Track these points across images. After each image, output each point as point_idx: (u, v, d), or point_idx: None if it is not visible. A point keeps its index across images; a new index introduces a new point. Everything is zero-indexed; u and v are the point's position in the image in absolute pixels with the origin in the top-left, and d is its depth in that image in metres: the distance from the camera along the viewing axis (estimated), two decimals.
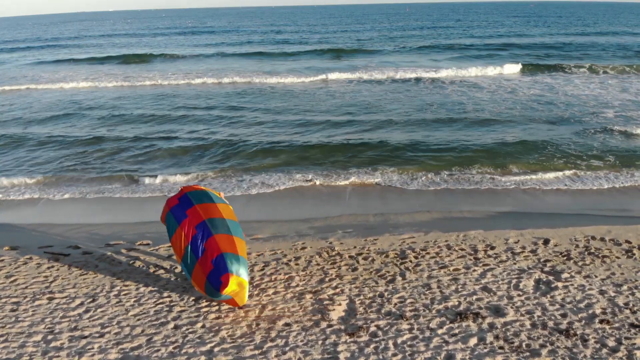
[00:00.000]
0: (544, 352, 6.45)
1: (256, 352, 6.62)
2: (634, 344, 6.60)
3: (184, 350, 6.70)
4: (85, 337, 7.09)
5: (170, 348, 6.77)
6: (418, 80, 30.68)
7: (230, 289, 7.24)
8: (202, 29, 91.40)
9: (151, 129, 20.79)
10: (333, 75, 32.49)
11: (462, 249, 9.63)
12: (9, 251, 10.35)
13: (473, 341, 6.72)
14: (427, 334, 6.91)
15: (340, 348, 6.62)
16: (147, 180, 14.82)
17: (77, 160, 17.05)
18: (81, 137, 19.73)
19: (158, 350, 6.72)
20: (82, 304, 8.03)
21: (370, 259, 9.38)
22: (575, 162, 15.45)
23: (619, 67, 33.38)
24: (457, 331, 6.96)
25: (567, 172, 14.68)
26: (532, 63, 35.96)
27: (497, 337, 6.78)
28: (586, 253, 9.35)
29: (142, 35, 78.12)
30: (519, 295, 7.88)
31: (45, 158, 17.40)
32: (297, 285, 8.40)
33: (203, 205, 8.19)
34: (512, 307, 7.50)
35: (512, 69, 34.16)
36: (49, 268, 9.41)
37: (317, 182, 14.42)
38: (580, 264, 8.92)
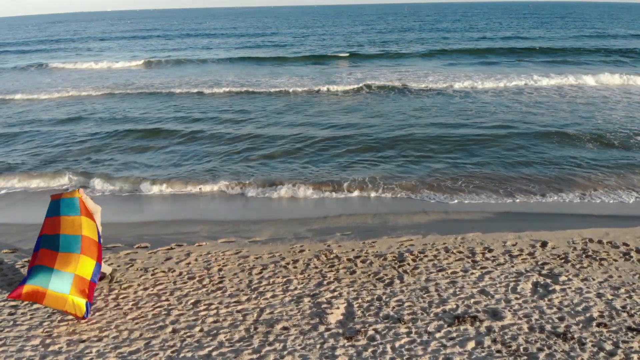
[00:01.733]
0: (541, 355, 6.47)
1: (254, 356, 6.63)
2: (631, 347, 6.62)
3: (182, 355, 6.71)
4: (84, 341, 7.08)
5: (169, 352, 6.77)
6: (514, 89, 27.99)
7: (24, 296, 7.37)
8: (200, 30, 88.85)
9: (148, 137, 20.48)
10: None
11: (460, 252, 9.65)
12: (8, 254, 10.33)
13: (471, 345, 6.74)
14: (425, 337, 6.92)
15: (338, 352, 6.63)
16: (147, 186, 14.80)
17: (75, 164, 17.04)
18: (78, 142, 19.67)
19: (156, 355, 6.72)
20: None
21: (368, 261, 9.39)
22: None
23: None
24: (455, 335, 6.97)
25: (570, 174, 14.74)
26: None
27: (494, 341, 6.80)
28: (584, 256, 9.37)
29: (134, 38, 75.99)
30: (516, 298, 7.89)
31: (41, 160, 17.37)
32: (295, 289, 8.41)
33: (48, 220, 8.03)
34: (509, 311, 7.52)
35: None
36: None
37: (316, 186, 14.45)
38: (578, 266, 8.94)
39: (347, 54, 45.71)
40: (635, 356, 6.43)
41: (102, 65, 43.20)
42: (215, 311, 7.78)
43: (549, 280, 8.42)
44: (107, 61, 44.94)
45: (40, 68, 43.14)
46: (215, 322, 7.49)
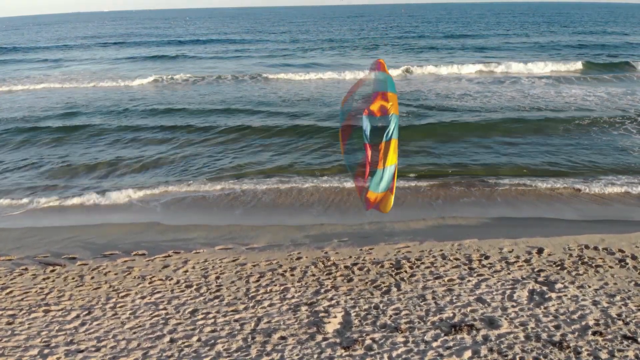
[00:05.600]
0: None
1: None
2: (627, 356, 6.66)
3: None
4: (82, 351, 7.10)
5: None
6: None
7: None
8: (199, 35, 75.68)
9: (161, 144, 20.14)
10: None
11: (457, 259, 9.69)
12: (4, 261, 10.34)
13: (467, 354, 6.77)
14: (422, 347, 6.96)
15: None
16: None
17: (70, 167, 17.05)
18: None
19: None
20: (78, 316, 8.04)
21: (365, 269, 9.42)
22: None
23: None
24: (451, 344, 7.01)
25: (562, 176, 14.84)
26: None
27: (491, 350, 6.84)
28: (580, 262, 9.42)
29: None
30: (513, 306, 7.94)
31: (36, 165, 17.36)
32: (293, 297, 8.43)
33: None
34: (506, 319, 7.56)
35: None
36: (44, 279, 9.41)
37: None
38: (573, 273, 8.99)
39: None
40: None
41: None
42: (212, 320, 7.80)
43: (545, 288, 8.47)
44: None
45: None
46: (212, 331, 7.51)
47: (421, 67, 35.72)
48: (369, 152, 7.74)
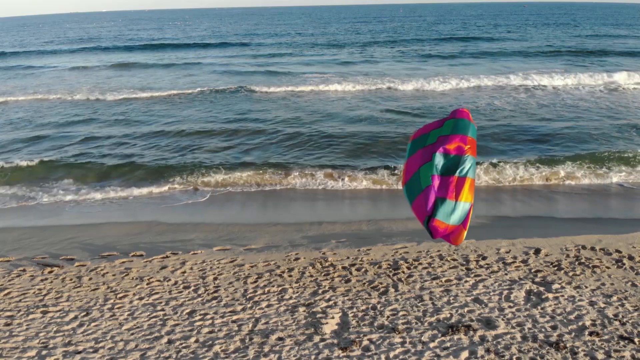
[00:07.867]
0: None
1: None
2: (623, 356, 6.69)
3: None
4: (79, 353, 7.11)
5: None
6: None
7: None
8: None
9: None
10: None
11: (454, 259, 9.71)
12: (2, 262, 10.35)
13: (464, 355, 6.79)
14: (419, 347, 6.98)
15: None
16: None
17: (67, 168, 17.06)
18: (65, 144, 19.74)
19: None
20: (76, 317, 8.05)
21: (363, 270, 9.44)
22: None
23: None
24: (448, 345, 7.03)
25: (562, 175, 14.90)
26: None
27: (488, 351, 6.86)
28: (577, 263, 9.45)
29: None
30: (510, 307, 7.96)
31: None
32: (291, 298, 8.45)
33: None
34: (503, 320, 7.58)
35: None
36: (42, 280, 9.42)
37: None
38: (570, 274, 9.02)
39: None
40: None
41: None
42: (210, 321, 7.81)
43: (542, 289, 8.49)
44: None
45: None
46: (210, 332, 7.52)
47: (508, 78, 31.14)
48: (436, 183, 7.66)
